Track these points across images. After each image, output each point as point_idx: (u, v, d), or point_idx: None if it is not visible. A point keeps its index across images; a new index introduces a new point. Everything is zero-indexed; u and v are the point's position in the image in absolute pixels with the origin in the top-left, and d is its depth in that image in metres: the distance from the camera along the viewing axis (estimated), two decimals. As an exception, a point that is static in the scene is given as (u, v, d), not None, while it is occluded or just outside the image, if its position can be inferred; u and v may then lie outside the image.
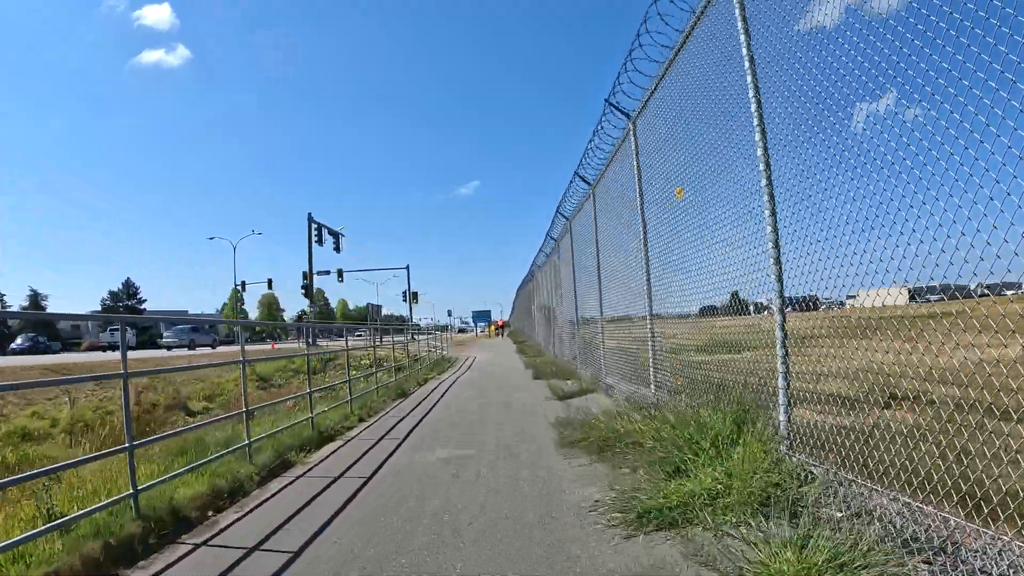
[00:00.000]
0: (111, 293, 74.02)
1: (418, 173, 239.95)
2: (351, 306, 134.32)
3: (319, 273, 37.12)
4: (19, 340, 43.25)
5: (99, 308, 72.73)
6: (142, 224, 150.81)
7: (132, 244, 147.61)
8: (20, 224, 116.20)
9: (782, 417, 3.67)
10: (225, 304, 71.85)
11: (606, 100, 7.47)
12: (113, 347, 40.63)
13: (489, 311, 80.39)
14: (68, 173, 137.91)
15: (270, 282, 59.37)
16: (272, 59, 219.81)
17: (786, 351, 3.62)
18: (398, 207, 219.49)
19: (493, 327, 78.08)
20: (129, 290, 75.22)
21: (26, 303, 69.25)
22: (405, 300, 43.64)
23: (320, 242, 34.35)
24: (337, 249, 35.33)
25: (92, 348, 45.36)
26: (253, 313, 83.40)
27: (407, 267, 45.39)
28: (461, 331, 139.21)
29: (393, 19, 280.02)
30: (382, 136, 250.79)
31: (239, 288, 48.86)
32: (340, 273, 39.42)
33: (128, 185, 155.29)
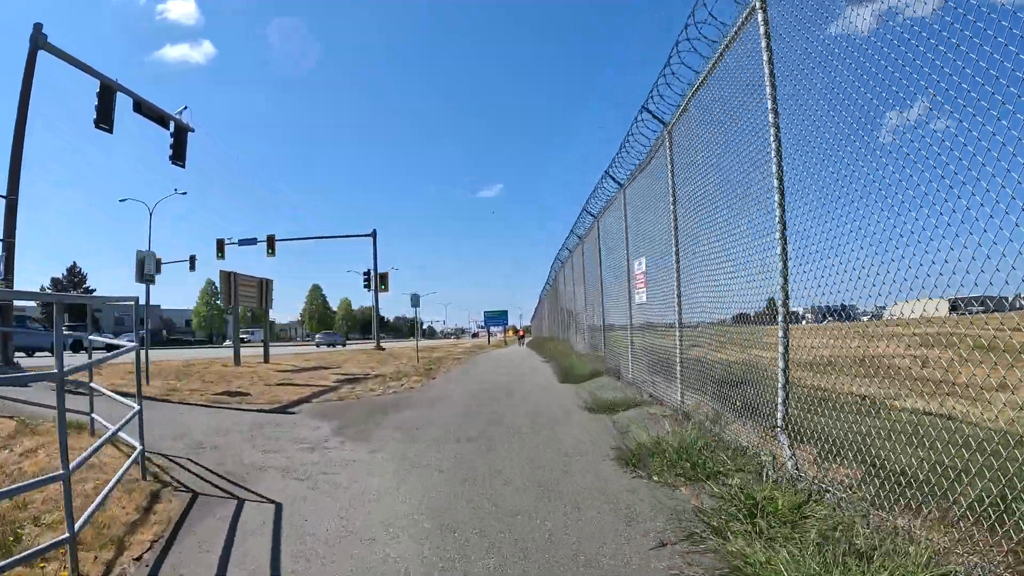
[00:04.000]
0: (53, 280, 74.89)
1: (440, 171, 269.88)
2: (355, 305, 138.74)
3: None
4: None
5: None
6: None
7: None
8: None
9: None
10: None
11: (643, 107, 8.53)
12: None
13: (505, 311, 78.19)
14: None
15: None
16: (294, 56, 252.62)
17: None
18: (416, 204, 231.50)
19: (511, 331, 77.16)
20: (74, 277, 76.20)
21: None
22: (370, 287, 46.71)
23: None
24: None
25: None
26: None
27: (373, 232, 46.48)
28: (474, 335, 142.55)
29: (426, 16, 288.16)
30: (405, 134, 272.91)
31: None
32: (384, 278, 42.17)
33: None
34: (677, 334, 8.16)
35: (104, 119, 16.88)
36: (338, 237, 52.81)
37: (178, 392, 12.07)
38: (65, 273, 76.24)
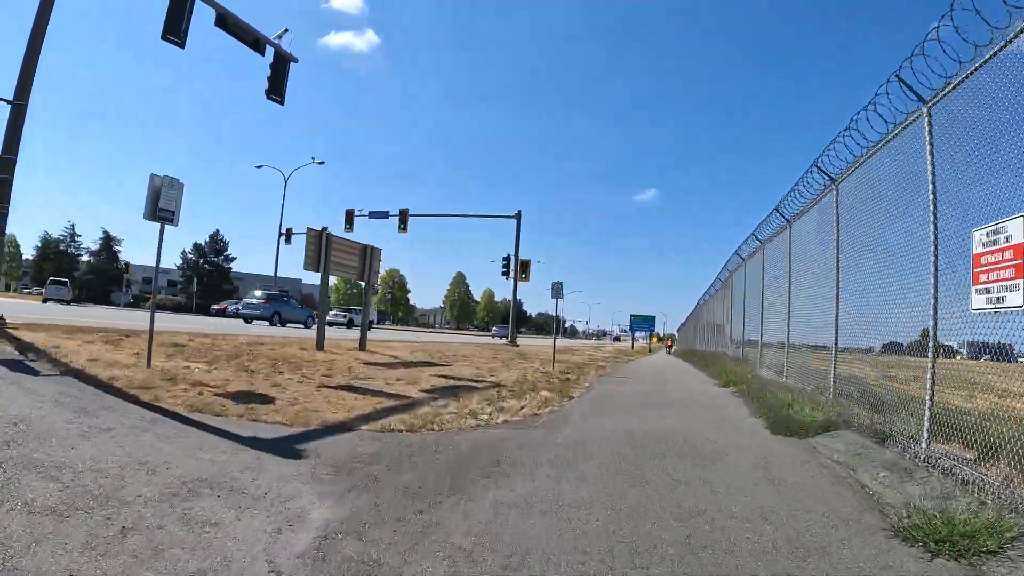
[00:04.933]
0: (195, 246, 77.56)
1: (595, 173, 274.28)
2: (498, 297, 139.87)
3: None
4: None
5: (180, 262, 76.89)
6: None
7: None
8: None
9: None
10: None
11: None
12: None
13: (652, 317, 75.65)
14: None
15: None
16: (461, 48, 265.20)
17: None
18: (565, 202, 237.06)
19: (655, 338, 73.83)
20: (216, 244, 78.65)
21: (97, 246, 74.58)
22: (509, 275, 43.90)
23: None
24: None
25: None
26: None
27: (517, 214, 43.29)
28: (616, 339, 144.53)
29: (589, 13, 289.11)
30: (562, 131, 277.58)
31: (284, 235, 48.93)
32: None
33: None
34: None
35: (173, 30, 13.61)
36: (478, 216, 50.09)
37: (175, 383, 8.18)
38: (207, 240, 78.95)
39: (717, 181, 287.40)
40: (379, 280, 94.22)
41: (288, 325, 37.44)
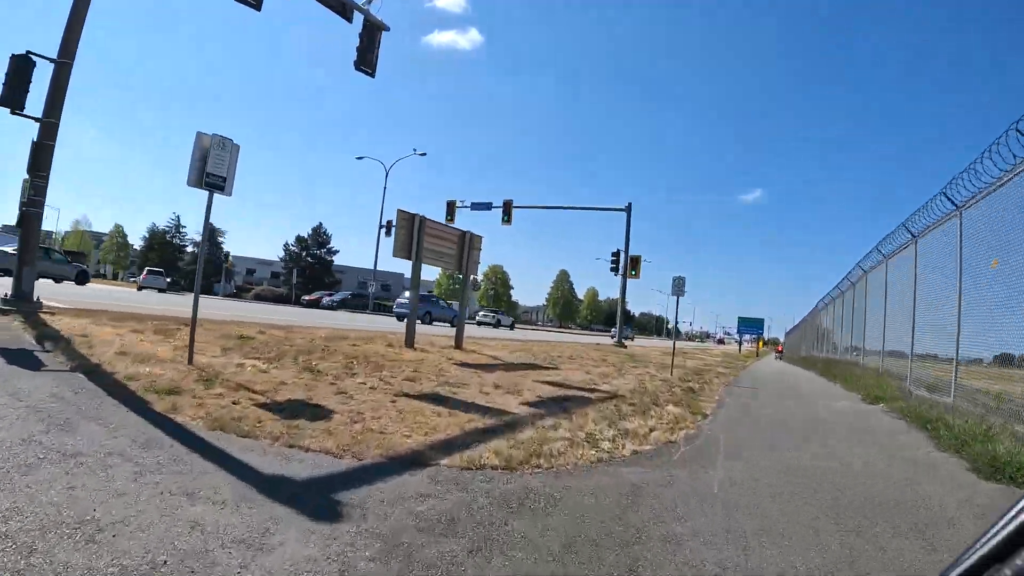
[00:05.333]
0: (298, 239, 78.68)
1: (699, 170, 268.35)
2: (601, 296, 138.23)
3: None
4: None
5: (282, 254, 78.34)
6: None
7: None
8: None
9: None
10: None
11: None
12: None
13: (761, 320, 71.88)
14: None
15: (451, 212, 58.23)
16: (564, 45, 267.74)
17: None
18: (670, 202, 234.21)
19: (761, 342, 70.91)
20: (319, 237, 79.55)
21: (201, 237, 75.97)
22: (617, 271, 41.65)
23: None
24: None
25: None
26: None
27: (627, 207, 40.74)
28: (719, 342, 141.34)
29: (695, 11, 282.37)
30: (666, 128, 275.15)
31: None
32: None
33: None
34: None
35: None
36: (585, 209, 47.63)
37: (211, 386, 6.50)
38: (310, 232, 79.94)
39: (825, 184, 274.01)
40: (481, 275, 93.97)
41: (435, 324, 39.93)
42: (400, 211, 14.10)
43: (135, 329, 9.38)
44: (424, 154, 57.52)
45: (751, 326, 70.91)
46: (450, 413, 6.99)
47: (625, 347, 33.87)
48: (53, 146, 9.59)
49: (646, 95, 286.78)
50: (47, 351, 7.12)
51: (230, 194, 7.94)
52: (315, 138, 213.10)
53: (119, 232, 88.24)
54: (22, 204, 9.53)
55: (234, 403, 6.00)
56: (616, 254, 41.74)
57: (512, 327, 63.51)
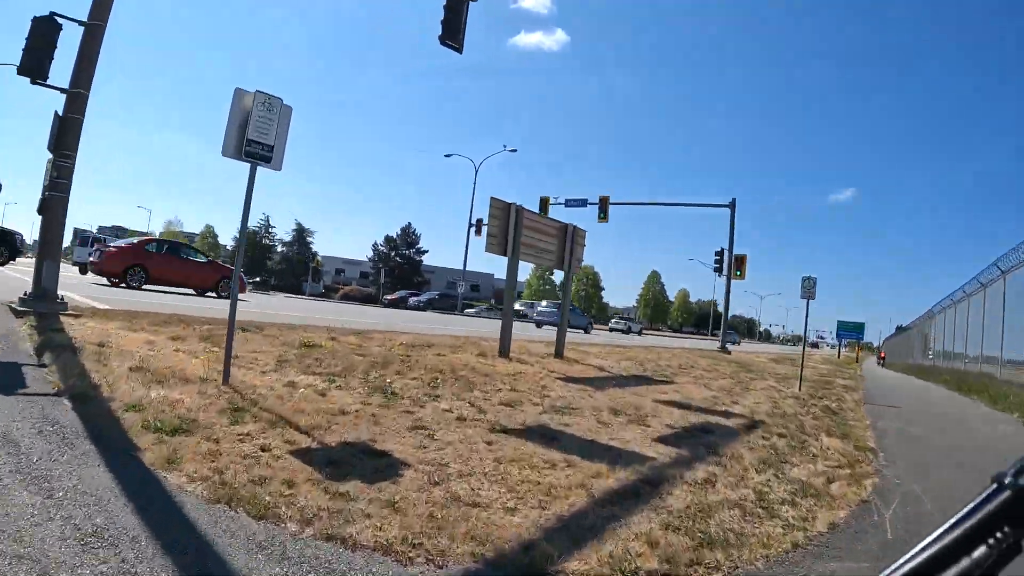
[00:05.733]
0: (387, 239, 78.69)
1: (788, 168, 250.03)
2: (692, 297, 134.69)
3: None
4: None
5: (371, 254, 78.59)
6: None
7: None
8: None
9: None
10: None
11: None
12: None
13: (862, 324, 68.32)
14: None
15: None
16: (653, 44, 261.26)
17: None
18: (759, 201, 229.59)
19: (859, 348, 68.10)
20: (408, 237, 79.38)
21: (290, 237, 77.98)
22: (721, 271, 39.47)
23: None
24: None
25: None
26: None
27: (731, 202, 37.94)
28: (813, 345, 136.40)
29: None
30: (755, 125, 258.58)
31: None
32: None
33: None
34: None
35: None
36: (684, 205, 45.11)
37: (240, 419, 4.75)
38: (399, 232, 79.76)
39: (925, 186, 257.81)
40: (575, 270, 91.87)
41: (571, 330, 39.20)
42: (495, 200, 12.23)
43: (176, 336, 7.80)
44: (515, 150, 56.23)
45: (851, 331, 67.96)
46: (566, 461, 5.03)
47: (730, 353, 31.29)
48: (81, 121, 8.28)
49: (723, 91, 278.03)
50: (42, 365, 5.60)
51: (279, 167, 6.23)
52: (403, 139, 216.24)
53: (210, 232, 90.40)
54: (45, 188, 8.20)
55: (263, 449, 4.21)
56: (720, 253, 39.12)
57: (641, 333, 66.26)
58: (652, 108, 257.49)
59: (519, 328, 33.70)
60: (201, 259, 24.25)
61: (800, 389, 14.85)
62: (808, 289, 16.74)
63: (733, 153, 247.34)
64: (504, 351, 11.89)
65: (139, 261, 21.36)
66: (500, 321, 13.61)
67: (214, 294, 22.27)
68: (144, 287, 20.78)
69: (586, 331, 43.10)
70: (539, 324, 38.61)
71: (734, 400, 11.18)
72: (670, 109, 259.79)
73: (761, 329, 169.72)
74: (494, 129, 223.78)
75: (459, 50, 14.60)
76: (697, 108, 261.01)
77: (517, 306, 67.57)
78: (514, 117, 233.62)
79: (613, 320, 71.61)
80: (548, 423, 6.49)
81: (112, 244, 24.13)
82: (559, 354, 13.75)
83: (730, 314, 45.14)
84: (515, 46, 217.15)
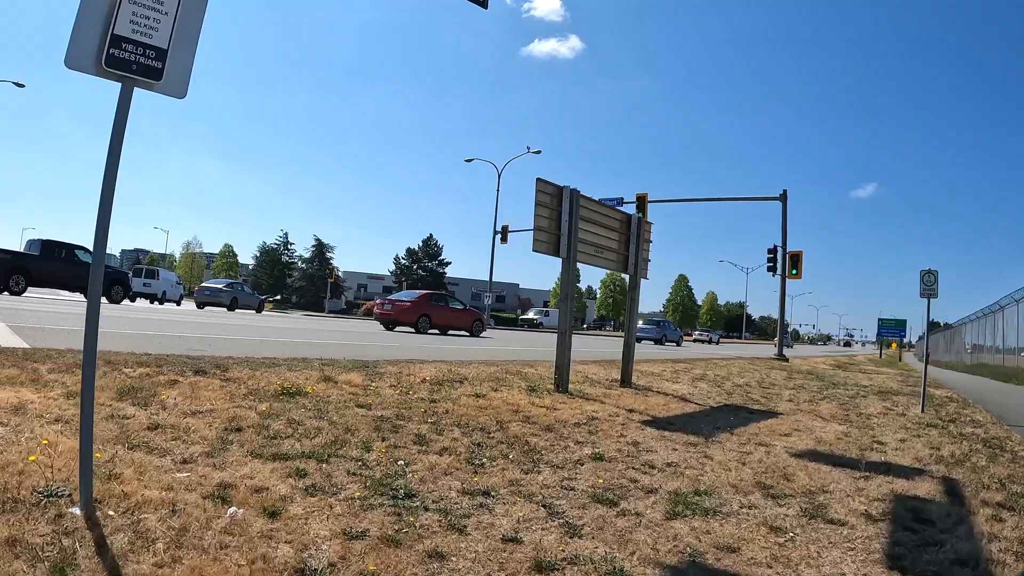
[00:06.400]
0: (408, 251, 77.13)
1: (808, 162, 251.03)
2: (720, 300, 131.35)
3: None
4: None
5: (392, 267, 77.13)
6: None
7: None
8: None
9: None
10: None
11: None
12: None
13: (904, 321, 64.46)
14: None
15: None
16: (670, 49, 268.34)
17: None
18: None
19: (894, 344, 68.57)
20: (430, 249, 77.77)
21: (310, 253, 76.94)
22: (775, 270, 35.98)
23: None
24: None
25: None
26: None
27: (782, 194, 34.81)
28: (845, 344, 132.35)
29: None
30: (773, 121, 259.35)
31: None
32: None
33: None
34: None
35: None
36: (730, 199, 41.99)
37: None
38: (420, 244, 78.17)
39: (951, 181, 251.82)
40: (598, 280, 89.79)
41: (667, 344, 44.44)
42: (542, 182, 9.26)
43: (63, 388, 4.93)
44: (539, 152, 53.33)
45: (892, 329, 64.49)
46: None
47: (786, 359, 28.23)
48: None
49: (740, 86, 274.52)
50: None
51: (182, 93, 3.35)
52: (422, 149, 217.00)
53: (229, 251, 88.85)
54: None
55: None
56: (772, 250, 35.95)
57: (718, 342, 70.20)
58: (670, 110, 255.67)
59: (536, 338, 30.76)
60: (459, 306, 29.33)
61: (922, 410, 11.86)
62: (928, 286, 13.90)
63: (753, 149, 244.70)
64: (563, 385, 8.96)
65: (425, 312, 26.04)
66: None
67: (468, 333, 27.56)
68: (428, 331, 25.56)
69: (677, 344, 47.06)
70: (638, 340, 36.39)
71: (874, 439, 8.31)
72: (687, 111, 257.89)
73: (790, 329, 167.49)
74: (515, 137, 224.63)
75: (484, 6, 12.73)
76: (712, 108, 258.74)
77: (530, 315, 64.44)
78: (533, 124, 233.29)
79: (697, 332, 78.98)
80: (692, 545, 3.59)
81: (396, 298, 28.12)
82: (626, 380, 10.79)
83: (759, 316, 42.94)
84: (530, 54, 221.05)
